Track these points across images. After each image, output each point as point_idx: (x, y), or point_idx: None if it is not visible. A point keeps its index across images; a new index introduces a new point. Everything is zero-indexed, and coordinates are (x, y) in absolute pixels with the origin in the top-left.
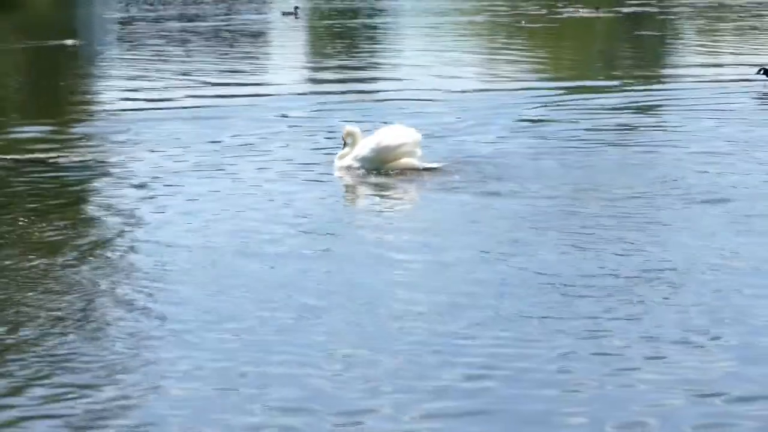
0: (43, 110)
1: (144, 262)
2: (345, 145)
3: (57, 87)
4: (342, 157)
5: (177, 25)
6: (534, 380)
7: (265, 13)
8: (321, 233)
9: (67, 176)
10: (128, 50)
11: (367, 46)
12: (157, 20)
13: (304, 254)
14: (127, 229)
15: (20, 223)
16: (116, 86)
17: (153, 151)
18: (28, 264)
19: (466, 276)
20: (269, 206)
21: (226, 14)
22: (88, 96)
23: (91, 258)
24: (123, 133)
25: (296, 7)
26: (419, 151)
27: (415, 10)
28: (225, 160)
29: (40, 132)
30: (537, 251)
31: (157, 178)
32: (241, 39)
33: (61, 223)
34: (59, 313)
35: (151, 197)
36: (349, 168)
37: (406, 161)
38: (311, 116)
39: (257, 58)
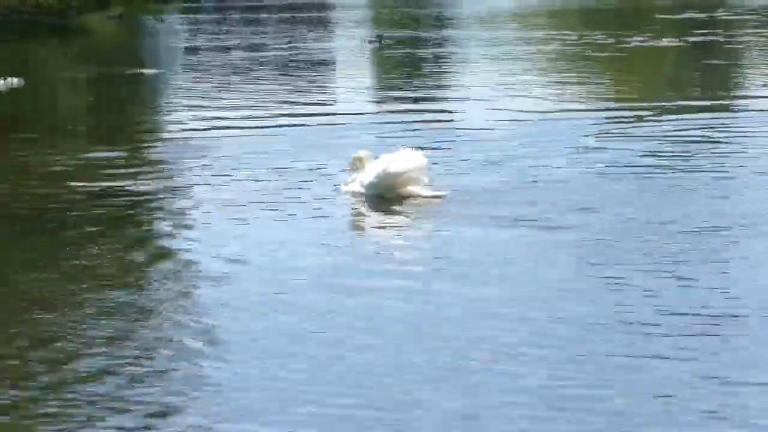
0: (116, 138)
1: (213, 292)
2: (355, 169)
3: (131, 115)
4: (348, 183)
5: (244, 54)
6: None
7: (331, 41)
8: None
9: (138, 203)
10: (198, 79)
11: (438, 73)
12: (223, 49)
13: (375, 286)
14: (197, 257)
15: (89, 250)
16: (191, 114)
17: (224, 177)
18: (94, 292)
19: (550, 313)
20: (337, 235)
21: (289, 43)
22: (161, 124)
23: (157, 286)
24: (194, 160)
25: (379, 36)
26: (425, 178)
27: (490, 40)
28: (293, 185)
29: (113, 159)
30: (605, 288)
31: (228, 206)
32: (312, 67)
33: (128, 252)
34: (128, 342)
35: (222, 226)
36: (354, 194)
37: (411, 189)
38: (378, 141)
39: (333, 86)
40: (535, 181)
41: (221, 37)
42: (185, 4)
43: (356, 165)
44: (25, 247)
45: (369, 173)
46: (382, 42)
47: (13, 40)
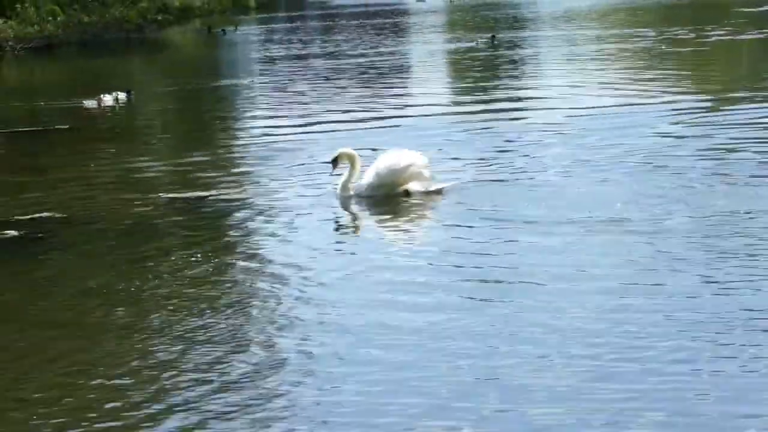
0: (213, 145)
1: (314, 300)
2: (335, 165)
3: (224, 123)
4: (345, 185)
5: (329, 62)
6: None
7: (419, 45)
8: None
9: (225, 212)
10: (288, 87)
11: (526, 72)
12: (302, 57)
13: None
14: (288, 271)
15: (177, 260)
16: (285, 121)
17: (310, 186)
18: (183, 310)
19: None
20: (421, 243)
21: (373, 49)
22: (257, 131)
23: (247, 295)
24: (278, 168)
25: (493, 36)
26: (428, 173)
27: (577, 38)
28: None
29: (212, 165)
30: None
31: (313, 213)
32: (391, 74)
33: (216, 261)
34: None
35: (311, 235)
36: (354, 196)
37: (414, 184)
38: (459, 142)
39: (415, 90)
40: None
41: (300, 45)
42: (263, 15)
43: (344, 162)
44: (125, 254)
45: (371, 173)
46: (495, 41)
47: (105, 56)
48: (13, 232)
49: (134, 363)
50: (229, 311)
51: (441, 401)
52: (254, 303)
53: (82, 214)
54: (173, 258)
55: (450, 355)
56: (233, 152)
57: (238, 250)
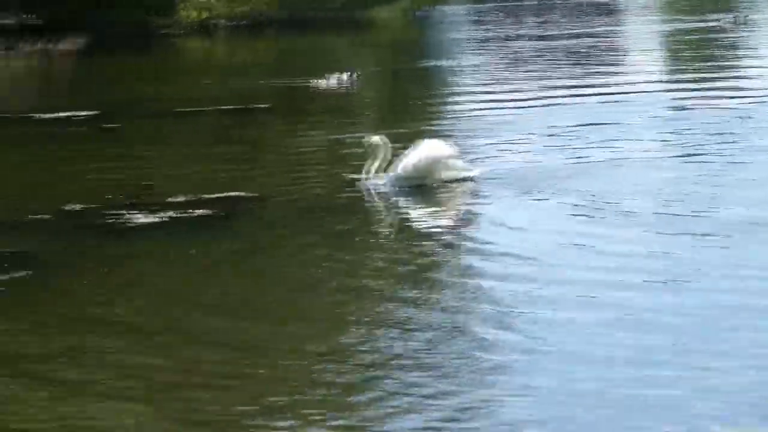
0: (417, 126)
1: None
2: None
3: (438, 106)
4: (369, 172)
5: (539, 43)
6: None
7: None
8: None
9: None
10: (494, 67)
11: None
12: (512, 38)
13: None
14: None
15: (378, 238)
16: (496, 101)
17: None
18: (376, 288)
19: None
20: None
21: (587, 29)
22: (463, 112)
23: (462, 271)
24: (488, 146)
25: (746, 15)
26: (459, 163)
27: None
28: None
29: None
30: None
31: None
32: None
33: (422, 242)
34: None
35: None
36: (385, 184)
37: (447, 173)
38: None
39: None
40: None
41: (511, 25)
42: None
43: (373, 150)
44: (309, 232)
45: (406, 162)
46: (742, 20)
47: (313, 35)
48: (206, 211)
49: (354, 350)
50: (439, 297)
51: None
52: (458, 286)
53: (280, 191)
54: (369, 236)
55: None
56: (449, 128)
57: (448, 234)
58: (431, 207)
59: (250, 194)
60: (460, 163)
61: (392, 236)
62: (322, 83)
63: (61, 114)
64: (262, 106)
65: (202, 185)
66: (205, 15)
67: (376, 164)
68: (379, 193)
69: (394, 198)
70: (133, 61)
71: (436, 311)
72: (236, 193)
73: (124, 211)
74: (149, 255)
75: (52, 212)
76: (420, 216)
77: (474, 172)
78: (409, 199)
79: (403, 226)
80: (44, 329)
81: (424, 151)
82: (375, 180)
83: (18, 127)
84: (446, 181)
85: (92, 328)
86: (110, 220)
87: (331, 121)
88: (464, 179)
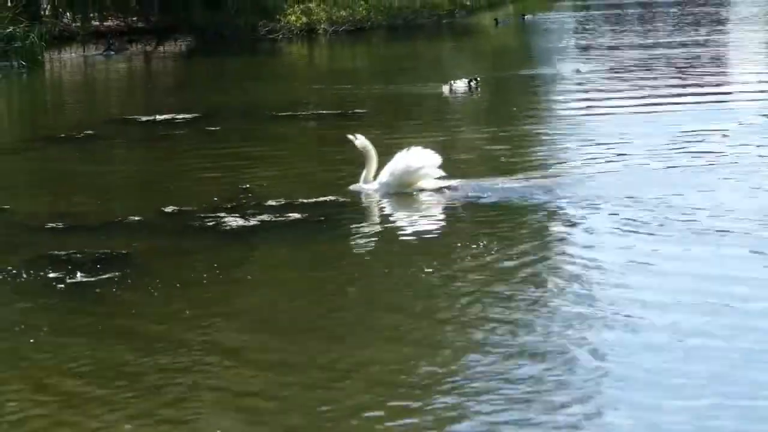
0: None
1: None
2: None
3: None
4: (367, 180)
5: (643, 52)
6: None
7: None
8: None
9: (530, 196)
10: (599, 75)
11: None
12: (619, 47)
13: None
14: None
15: (478, 245)
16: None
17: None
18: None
19: None
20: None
21: (693, 38)
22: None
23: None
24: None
25: None
26: (437, 172)
27: None
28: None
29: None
30: None
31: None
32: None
33: (520, 247)
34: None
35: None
36: (374, 191)
37: (425, 183)
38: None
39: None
40: None
41: (612, 33)
42: (577, 1)
43: (367, 155)
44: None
45: (386, 172)
46: None
47: (416, 40)
48: (297, 215)
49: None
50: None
51: None
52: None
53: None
54: (471, 244)
55: None
56: (548, 132)
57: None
58: (506, 219)
59: (347, 199)
60: (436, 172)
61: (484, 247)
62: (444, 89)
63: (164, 116)
64: (362, 111)
65: (300, 188)
66: (307, 20)
67: (372, 170)
68: (373, 200)
69: (465, 208)
70: (236, 65)
71: (521, 331)
72: (335, 197)
73: (223, 214)
74: (246, 258)
75: (151, 213)
76: (494, 227)
77: (453, 182)
78: (486, 210)
79: (488, 239)
80: (139, 329)
81: (400, 160)
82: (368, 187)
83: (121, 128)
84: (425, 190)
85: (189, 329)
86: (209, 223)
87: (439, 125)
88: (445, 188)
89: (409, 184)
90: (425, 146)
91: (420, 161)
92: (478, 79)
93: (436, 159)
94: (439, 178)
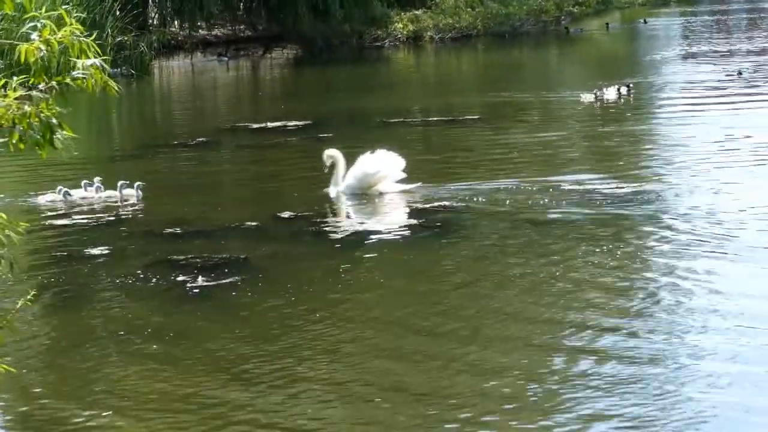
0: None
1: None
2: (325, 165)
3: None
4: (337, 183)
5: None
6: None
7: None
8: None
9: (622, 205)
10: (701, 82)
11: None
12: (725, 54)
13: None
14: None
15: (576, 252)
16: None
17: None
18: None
19: None
20: None
21: None
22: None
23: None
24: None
25: None
26: (397, 176)
27: None
28: None
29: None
30: None
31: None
32: None
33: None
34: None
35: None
36: (341, 194)
37: (384, 186)
38: None
39: None
40: None
41: (717, 40)
42: (684, 8)
43: (332, 162)
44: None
45: (351, 174)
46: None
47: (523, 47)
48: (413, 221)
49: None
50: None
51: None
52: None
53: (493, 201)
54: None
55: None
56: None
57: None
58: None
59: (463, 204)
60: (395, 176)
61: (605, 254)
62: (586, 97)
63: (275, 123)
64: (473, 117)
65: (410, 195)
66: (414, 27)
67: (341, 174)
68: (339, 201)
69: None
70: (344, 72)
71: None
72: (449, 203)
73: (338, 219)
74: (358, 263)
75: (268, 218)
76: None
77: (412, 186)
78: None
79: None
80: (256, 334)
81: (361, 165)
82: (337, 189)
83: (233, 135)
84: (385, 193)
85: (302, 335)
86: (324, 228)
87: (561, 128)
88: (407, 192)
89: (369, 186)
90: (389, 150)
91: (377, 166)
92: (630, 85)
93: (396, 163)
94: (399, 181)
